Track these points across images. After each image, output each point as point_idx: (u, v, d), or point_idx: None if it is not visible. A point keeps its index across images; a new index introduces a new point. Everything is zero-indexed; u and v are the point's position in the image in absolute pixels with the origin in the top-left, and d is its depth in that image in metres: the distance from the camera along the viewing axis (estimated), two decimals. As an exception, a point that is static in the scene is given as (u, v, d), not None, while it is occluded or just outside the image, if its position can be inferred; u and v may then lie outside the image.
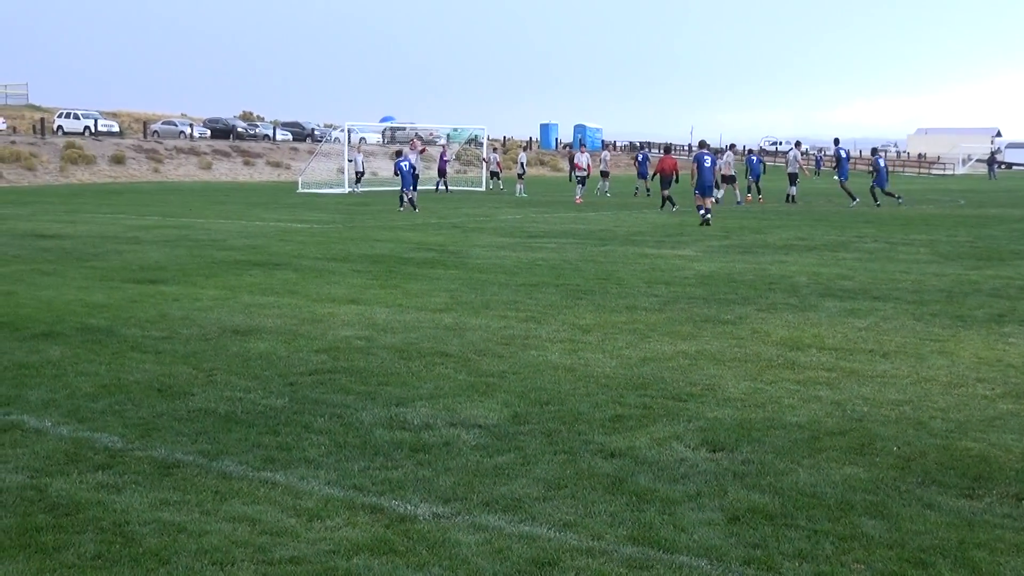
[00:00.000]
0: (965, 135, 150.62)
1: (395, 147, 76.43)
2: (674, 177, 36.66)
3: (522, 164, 52.29)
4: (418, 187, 38.44)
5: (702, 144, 33.73)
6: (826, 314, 13.24)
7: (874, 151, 47.49)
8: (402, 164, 36.24)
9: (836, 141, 47.99)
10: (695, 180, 31.36)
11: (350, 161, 53.08)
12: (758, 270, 17.86)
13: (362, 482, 6.67)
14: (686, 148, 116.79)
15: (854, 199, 41.13)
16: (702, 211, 29.71)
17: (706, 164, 31.58)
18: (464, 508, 6.22)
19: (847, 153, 44.27)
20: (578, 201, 41.83)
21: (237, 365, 10.05)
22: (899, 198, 41.21)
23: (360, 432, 7.79)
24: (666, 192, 36.89)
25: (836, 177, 43.75)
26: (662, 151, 42.59)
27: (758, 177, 44.59)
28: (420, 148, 44.74)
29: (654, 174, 38.50)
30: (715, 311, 13.40)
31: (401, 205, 35.78)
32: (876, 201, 40.60)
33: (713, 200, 31.57)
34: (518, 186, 50.11)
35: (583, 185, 44.13)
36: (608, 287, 15.58)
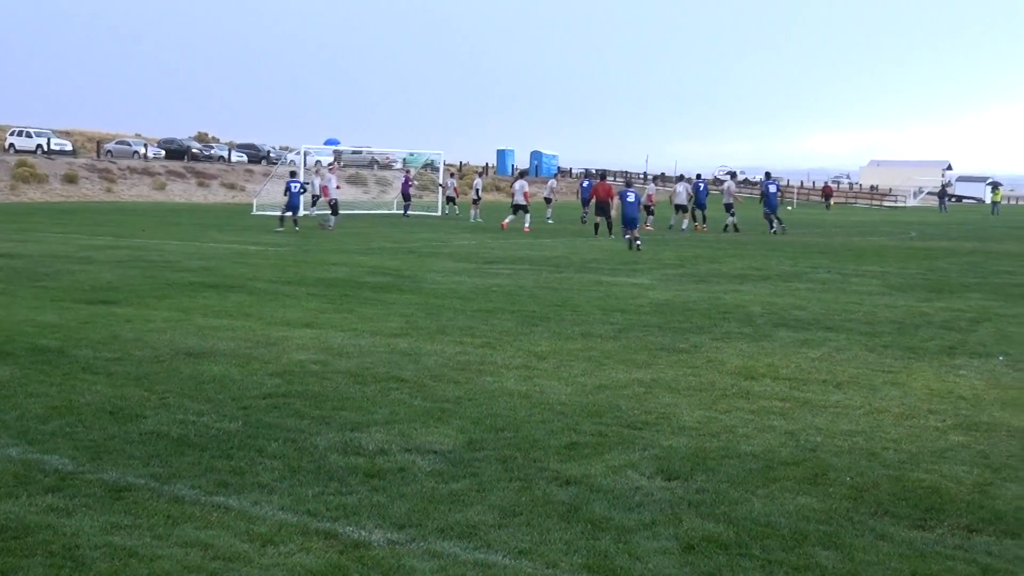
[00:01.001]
0: (917, 168, 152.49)
1: (349, 171, 76.46)
2: (609, 204, 36.87)
3: (477, 190, 52.28)
4: (312, 210, 40.88)
5: (628, 183, 36.43)
6: (780, 344, 13.32)
7: (768, 175, 49.26)
8: (292, 184, 37.76)
9: (767, 175, 49.28)
10: (619, 214, 33.13)
11: (306, 184, 52.86)
12: (712, 299, 17.95)
13: (316, 507, 6.63)
14: (642, 176, 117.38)
15: (772, 228, 42.59)
16: (627, 237, 31.59)
17: (629, 199, 33.18)
18: (419, 535, 6.19)
19: (776, 187, 45.45)
20: (503, 226, 41.55)
21: (190, 388, 9.97)
22: (773, 228, 42.51)
23: (314, 457, 7.74)
24: (599, 219, 37.04)
25: (764, 208, 44.67)
26: (597, 177, 43.03)
27: (703, 206, 45.12)
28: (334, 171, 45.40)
29: (589, 199, 38.63)
30: (670, 339, 13.45)
31: (281, 224, 37.16)
32: (771, 227, 42.31)
33: (638, 230, 32.87)
34: (472, 211, 50.09)
35: (517, 214, 43.24)
36: (564, 314, 15.60)
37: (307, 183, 39.28)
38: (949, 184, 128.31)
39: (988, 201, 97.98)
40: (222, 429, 8.48)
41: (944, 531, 6.48)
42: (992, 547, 6.23)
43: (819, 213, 79.31)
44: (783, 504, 6.90)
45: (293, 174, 40.53)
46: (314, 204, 52.32)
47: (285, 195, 38.17)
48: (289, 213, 37.47)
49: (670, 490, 7.15)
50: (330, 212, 39.53)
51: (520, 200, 42.82)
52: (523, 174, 50.13)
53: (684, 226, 43.52)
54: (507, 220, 41.88)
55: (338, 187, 42.28)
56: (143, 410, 9.04)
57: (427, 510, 6.61)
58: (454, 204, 54.53)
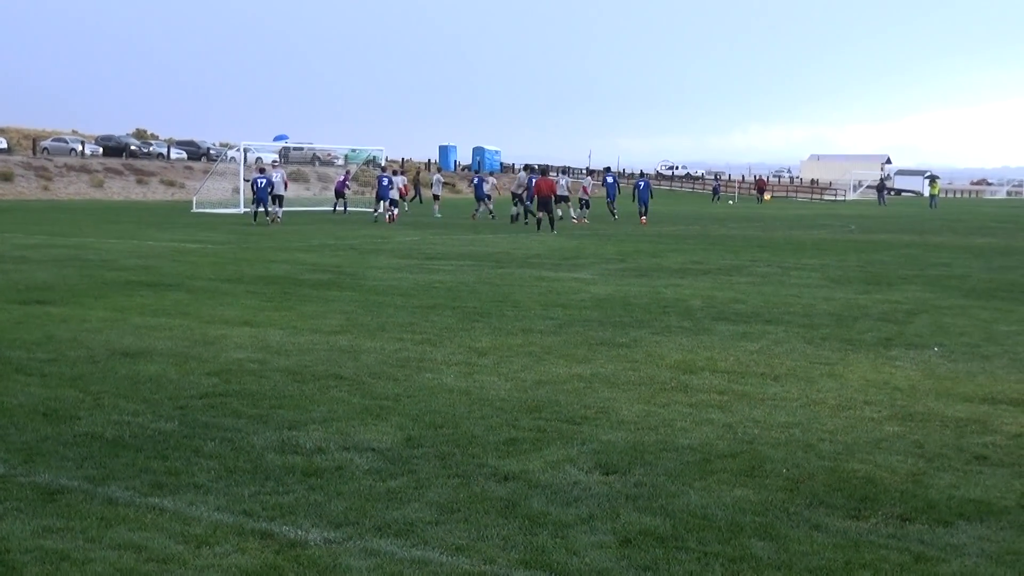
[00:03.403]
0: (856, 162, 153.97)
1: (291, 167, 76.01)
2: (552, 198, 37.27)
3: (440, 184, 53.21)
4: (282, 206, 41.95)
5: (527, 167, 39.02)
6: (719, 337, 13.40)
7: (607, 169, 55.22)
8: (259, 180, 40.31)
9: (607, 169, 54.97)
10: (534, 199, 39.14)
11: (247, 181, 52.59)
12: (653, 293, 18.03)
13: (252, 507, 6.57)
14: (583, 171, 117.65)
15: (614, 216, 46.71)
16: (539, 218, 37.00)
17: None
18: (356, 533, 6.16)
19: (614, 178, 49.90)
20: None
21: (126, 388, 9.86)
22: (615, 217, 46.44)
23: (251, 456, 7.69)
24: (541, 214, 37.21)
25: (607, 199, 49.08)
26: (539, 173, 43.51)
27: (612, 198, 48.51)
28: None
29: (531, 196, 38.85)
30: (610, 334, 13.49)
31: (255, 219, 39.74)
32: (613, 216, 45.94)
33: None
34: (435, 207, 50.46)
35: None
36: (504, 310, 15.60)
37: (261, 179, 40.62)
38: (888, 178, 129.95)
39: (926, 194, 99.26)
40: (158, 429, 8.40)
41: (878, 520, 6.54)
42: (925, 535, 6.30)
43: (756, 207, 79.92)
44: (720, 496, 6.94)
45: (262, 171, 42.61)
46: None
47: (253, 190, 40.80)
48: (262, 209, 39.90)
49: (608, 484, 7.17)
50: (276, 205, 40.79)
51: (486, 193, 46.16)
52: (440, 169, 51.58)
53: (573, 217, 45.91)
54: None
55: (285, 184, 42.56)
56: (77, 411, 8.93)
57: (364, 508, 6.58)
58: (403, 201, 53.97)
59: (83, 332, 12.93)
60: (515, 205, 45.64)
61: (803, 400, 9.86)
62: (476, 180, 50.89)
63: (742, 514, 6.59)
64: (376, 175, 49.33)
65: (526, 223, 42.02)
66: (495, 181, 53.20)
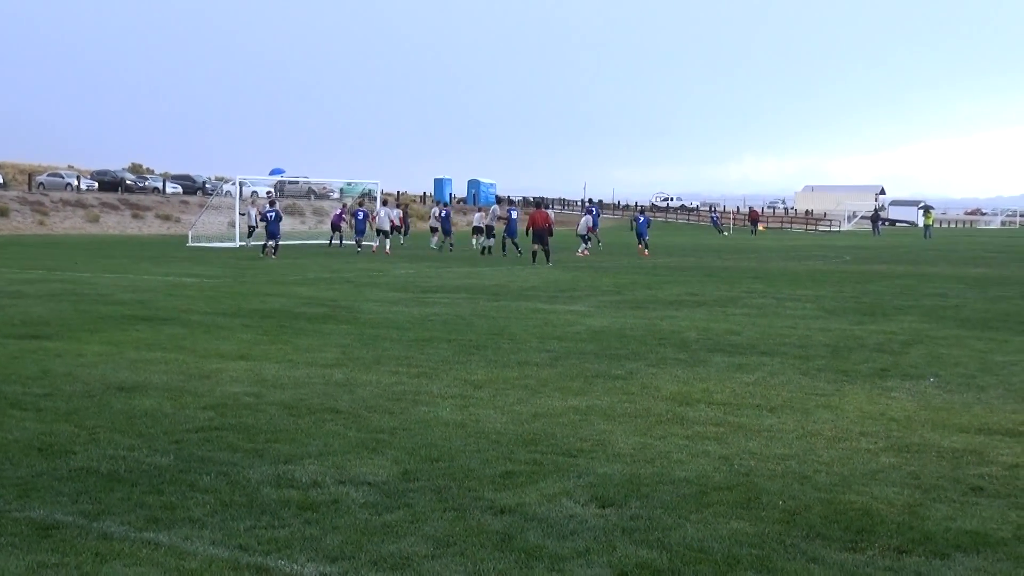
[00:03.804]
0: (850, 192, 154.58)
1: (287, 200, 76.18)
2: (548, 230, 37.30)
3: (438, 217, 53.26)
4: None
5: (510, 201, 41.08)
6: (715, 369, 13.41)
7: (510, 201, 57.83)
8: (269, 213, 40.92)
9: (590, 201, 56.09)
10: (506, 228, 43.45)
11: (242, 215, 52.78)
12: (649, 325, 18.04)
13: (248, 542, 6.56)
14: (578, 203, 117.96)
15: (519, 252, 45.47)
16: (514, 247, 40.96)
17: (514, 216, 43.83)
18: (352, 567, 6.15)
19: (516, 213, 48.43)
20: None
21: (121, 422, 9.85)
22: (519, 252, 44.87)
23: (247, 490, 7.67)
24: (536, 247, 37.27)
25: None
26: (534, 205, 43.93)
27: (642, 234, 47.63)
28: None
29: (527, 228, 38.78)
30: (606, 366, 13.49)
31: (264, 250, 40.74)
32: (517, 250, 43.81)
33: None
34: (433, 239, 50.39)
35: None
36: (500, 342, 15.60)
37: (271, 212, 41.53)
38: (883, 208, 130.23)
39: (921, 224, 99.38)
40: (153, 464, 8.38)
41: (875, 552, 6.53)
42: (922, 568, 6.29)
43: (751, 239, 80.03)
44: (716, 529, 6.93)
45: (272, 203, 43.57)
46: (250, 235, 52.08)
47: (261, 222, 42.85)
48: (271, 242, 40.37)
49: (604, 517, 7.16)
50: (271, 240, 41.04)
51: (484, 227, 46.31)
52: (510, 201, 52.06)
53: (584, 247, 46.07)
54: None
55: (280, 218, 42.62)
56: (72, 446, 8.92)
57: (360, 542, 6.56)
58: (398, 233, 53.87)
59: (79, 367, 12.92)
60: (486, 238, 46.44)
61: (799, 432, 9.85)
62: (443, 213, 51.04)
63: (739, 546, 6.58)
64: (373, 208, 49.65)
65: (504, 255, 43.04)
66: (497, 210, 53.48)
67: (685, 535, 6.79)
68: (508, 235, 44.29)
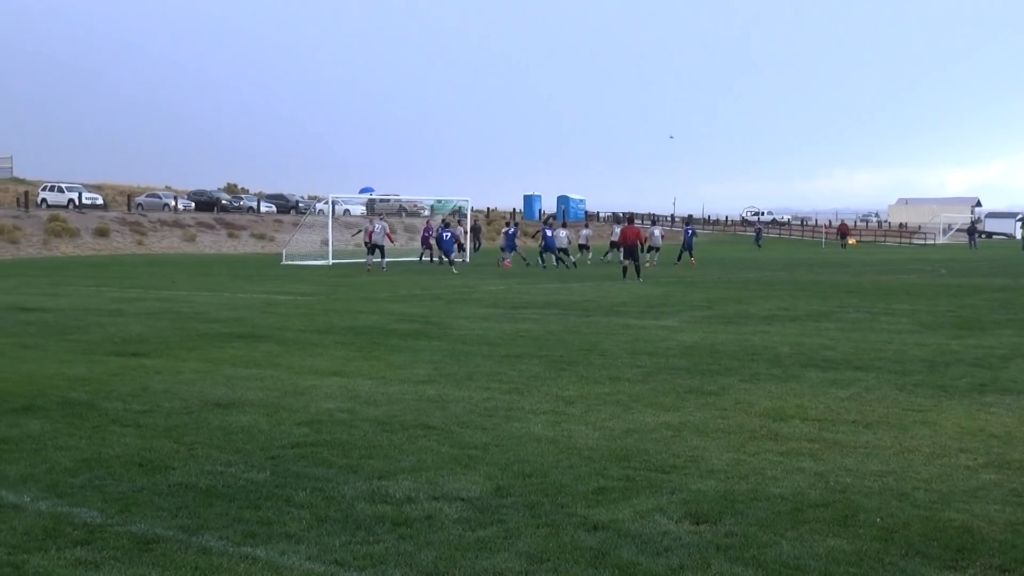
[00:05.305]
0: (946, 205, 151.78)
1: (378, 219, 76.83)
2: (639, 247, 37.77)
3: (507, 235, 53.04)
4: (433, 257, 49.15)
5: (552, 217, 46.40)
6: (809, 384, 13.26)
7: (552, 217, 61.79)
8: (444, 233, 45.93)
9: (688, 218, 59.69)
10: (543, 244, 47.40)
11: (357, 232, 53.99)
12: (741, 340, 17.90)
13: (343, 556, 6.62)
14: (670, 219, 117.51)
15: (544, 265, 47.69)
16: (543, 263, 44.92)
17: (549, 234, 47.35)
18: (446, 583, 6.17)
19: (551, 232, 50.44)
20: (507, 265, 47.41)
21: (218, 438, 10.01)
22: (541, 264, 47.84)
23: (342, 506, 7.75)
24: (627, 263, 37.26)
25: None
26: (626, 221, 43.76)
27: (690, 247, 51.58)
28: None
29: (618, 245, 39.39)
30: (698, 382, 13.41)
31: (443, 263, 45.96)
32: (555, 263, 47.13)
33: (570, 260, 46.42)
34: (463, 256, 51.40)
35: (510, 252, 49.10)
36: (591, 358, 15.58)
37: (447, 231, 46.04)
38: (979, 220, 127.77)
39: (1018, 237, 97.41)
40: (250, 479, 8.50)
41: (976, 571, 6.41)
42: (1025, 587, 6.16)
43: (842, 252, 79.00)
44: (813, 546, 6.85)
45: (446, 224, 48.68)
46: (371, 252, 52.74)
47: (436, 243, 47.40)
48: (446, 260, 45.52)
49: (698, 534, 7.11)
50: (380, 256, 43.77)
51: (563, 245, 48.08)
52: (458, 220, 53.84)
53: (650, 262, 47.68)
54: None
55: (389, 236, 45.78)
56: (172, 461, 9.08)
57: (454, 558, 6.59)
58: (463, 251, 54.08)
59: (177, 383, 13.15)
60: (568, 255, 48.44)
61: (896, 448, 9.71)
62: (511, 230, 51.43)
63: (836, 564, 6.50)
64: (458, 227, 51.19)
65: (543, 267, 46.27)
66: (590, 233, 54.99)
67: (781, 552, 6.72)
68: (546, 249, 47.60)
